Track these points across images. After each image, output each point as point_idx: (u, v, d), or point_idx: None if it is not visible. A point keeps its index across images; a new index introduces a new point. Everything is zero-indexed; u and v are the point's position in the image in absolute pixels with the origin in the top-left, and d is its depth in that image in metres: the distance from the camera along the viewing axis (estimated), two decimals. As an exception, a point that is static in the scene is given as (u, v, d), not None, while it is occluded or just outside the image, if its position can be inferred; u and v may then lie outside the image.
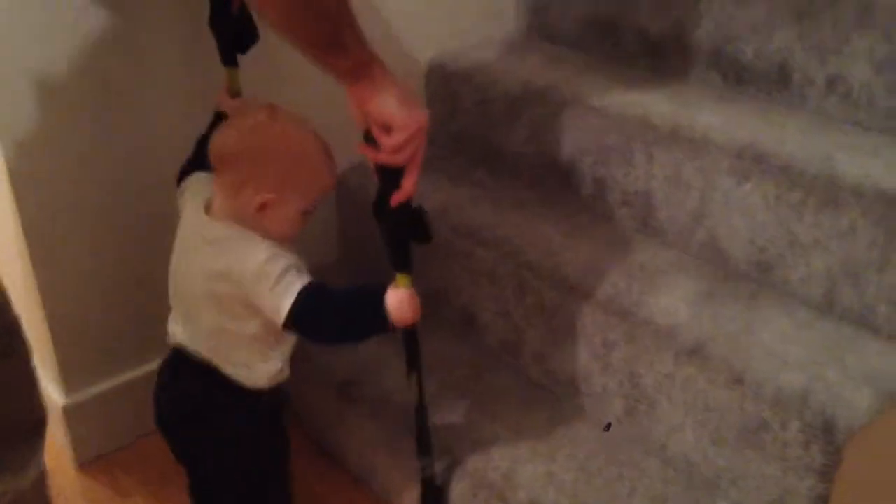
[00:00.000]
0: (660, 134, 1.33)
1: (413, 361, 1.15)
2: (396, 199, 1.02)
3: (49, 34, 1.24)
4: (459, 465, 1.23)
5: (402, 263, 1.06)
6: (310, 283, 1.02)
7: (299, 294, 1.01)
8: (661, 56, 1.53)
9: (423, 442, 1.19)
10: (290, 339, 1.12)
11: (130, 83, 1.34)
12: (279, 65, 1.32)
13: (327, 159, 1.07)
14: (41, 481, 0.92)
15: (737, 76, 1.43)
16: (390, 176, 1.01)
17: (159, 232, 1.19)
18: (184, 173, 1.17)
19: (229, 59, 1.19)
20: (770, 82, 1.39)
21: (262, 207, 1.03)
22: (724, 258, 1.29)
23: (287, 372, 1.14)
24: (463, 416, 1.29)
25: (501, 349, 1.41)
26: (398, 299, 1.04)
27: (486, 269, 1.39)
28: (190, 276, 1.09)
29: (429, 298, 1.49)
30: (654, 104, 1.38)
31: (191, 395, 1.12)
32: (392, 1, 1.57)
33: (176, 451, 1.17)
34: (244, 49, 1.19)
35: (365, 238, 1.58)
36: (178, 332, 1.12)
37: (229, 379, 1.10)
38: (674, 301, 1.22)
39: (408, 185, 1.01)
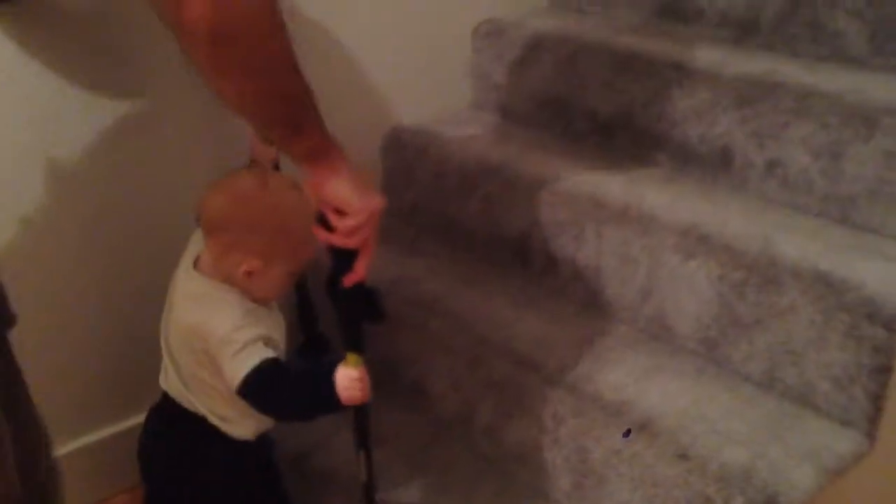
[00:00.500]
0: (610, 212, 1.37)
1: (362, 439, 1.15)
2: (349, 280, 1.03)
3: (57, 115, 1.27)
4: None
5: (353, 343, 1.07)
6: (267, 359, 1.04)
7: (255, 367, 1.04)
8: (610, 136, 1.59)
9: None
10: None
11: (140, 155, 1.37)
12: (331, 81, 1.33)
13: (307, 216, 1.07)
14: None
15: (683, 158, 1.49)
16: (343, 258, 1.03)
17: (149, 293, 1.21)
18: None
19: None
20: (714, 165, 1.44)
21: (249, 274, 1.07)
22: (671, 334, 1.32)
23: (271, 422, 1.16)
24: (412, 491, 1.29)
25: (453, 421, 1.41)
26: (348, 378, 1.06)
27: (439, 341, 1.40)
28: (173, 325, 1.12)
29: (381, 369, 1.51)
30: (604, 183, 1.43)
31: (177, 440, 1.15)
32: (351, 73, 1.61)
33: (153, 496, 1.19)
34: None
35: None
36: (167, 378, 1.15)
37: (215, 428, 1.12)
38: (621, 376, 1.24)
39: (360, 268, 1.03)
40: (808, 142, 1.32)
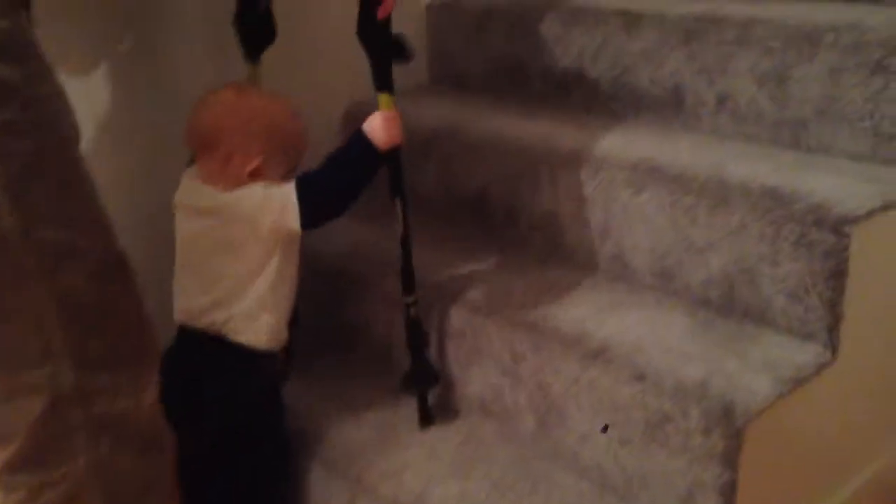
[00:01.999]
0: (562, 157, 1.36)
1: (396, 186, 1.21)
2: (382, 11, 1.10)
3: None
4: (369, 491, 1.20)
5: (384, 83, 1.16)
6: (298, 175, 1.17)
7: (297, 180, 1.15)
8: (566, 93, 1.58)
9: (408, 277, 1.24)
10: (289, 283, 1.21)
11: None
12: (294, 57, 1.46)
13: (298, 122, 1.22)
14: (156, 407, 1.00)
15: (636, 104, 1.48)
16: None
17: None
18: None
19: (255, 57, 1.31)
20: (666, 106, 1.44)
21: (254, 172, 1.16)
22: (630, 271, 1.31)
23: (284, 334, 1.23)
24: (368, 448, 1.26)
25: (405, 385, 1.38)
26: (384, 118, 1.15)
27: (396, 297, 1.38)
28: (192, 237, 1.19)
29: (347, 333, 1.50)
30: (558, 133, 1.42)
31: (196, 360, 1.20)
32: (310, 51, 1.61)
33: (174, 418, 1.18)
34: (264, 47, 1.32)
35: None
36: (182, 307, 1.21)
37: (232, 343, 1.18)
38: (580, 312, 1.22)
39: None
40: (754, 70, 1.32)
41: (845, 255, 1.08)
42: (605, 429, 1.14)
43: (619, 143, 1.35)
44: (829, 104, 1.26)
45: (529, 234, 1.44)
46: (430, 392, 1.30)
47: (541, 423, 1.21)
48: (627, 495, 1.12)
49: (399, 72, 1.76)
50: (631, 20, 1.46)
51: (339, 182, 1.17)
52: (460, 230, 1.53)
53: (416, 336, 1.26)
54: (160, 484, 1.06)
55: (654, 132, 1.40)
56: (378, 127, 1.15)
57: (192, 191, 1.21)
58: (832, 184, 1.14)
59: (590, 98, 1.54)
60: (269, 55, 1.34)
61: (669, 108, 1.43)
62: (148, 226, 1.32)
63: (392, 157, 1.19)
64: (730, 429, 1.00)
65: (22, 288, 0.88)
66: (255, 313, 1.19)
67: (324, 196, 1.16)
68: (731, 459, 1.01)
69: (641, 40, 1.44)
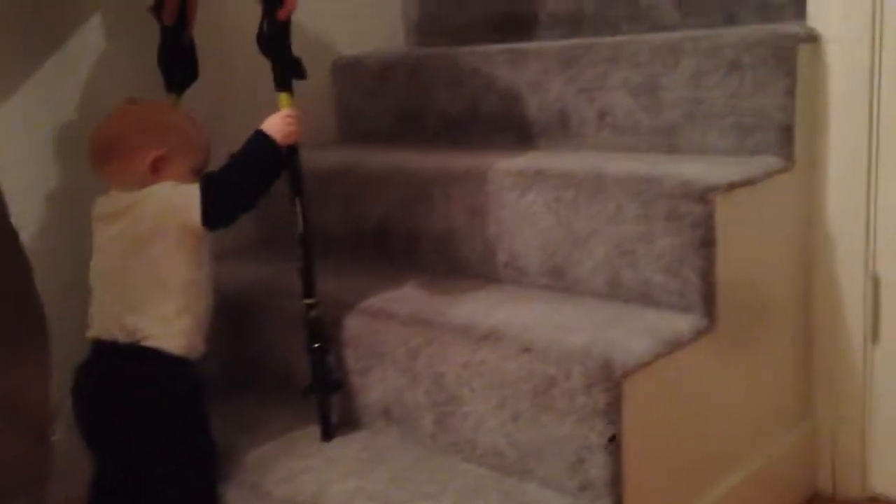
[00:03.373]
0: (454, 174, 1.42)
1: (296, 186, 1.26)
2: (283, 13, 1.19)
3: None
4: (265, 498, 1.17)
5: (282, 82, 1.23)
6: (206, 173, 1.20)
7: (201, 178, 1.18)
8: (462, 130, 1.66)
9: (308, 277, 1.27)
10: (201, 286, 1.21)
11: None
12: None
13: (193, 122, 1.25)
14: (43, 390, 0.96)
15: (527, 133, 1.56)
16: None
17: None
18: None
19: (178, 91, 1.34)
20: (554, 128, 1.51)
21: (155, 164, 1.18)
22: (523, 275, 1.34)
23: (201, 343, 1.21)
24: (277, 469, 1.24)
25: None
26: (283, 117, 1.21)
27: (295, 317, 1.38)
28: (107, 243, 1.20)
29: (250, 360, 1.49)
30: (452, 160, 1.48)
31: (112, 374, 1.18)
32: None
33: (92, 438, 1.19)
34: (186, 86, 1.35)
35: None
36: (96, 320, 1.19)
37: (147, 350, 1.16)
38: (473, 308, 1.25)
39: (290, 0, 1.19)
40: (627, 83, 1.41)
41: (712, 222, 1.13)
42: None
43: (508, 161, 1.40)
44: (696, 107, 1.34)
45: (429, 257, 1.47)
46: (331, 402, 1.29)
47: (439, 421, 1.21)
48: (523, 472, 1.12)
49: (309, 131, 1.85)
50: (517, 56, 1.56)
51: (240, 179, 1.19)
52: (363, 263, 1.55)
53: (317, 338, 1.26)
54: (42, 484, 1.02)
55: (543, 153, 1.47)
56: (277, 124, 1.21)
57: (105, 199, 1.23)
58: (699, 168, 1.21)
59: (485, 132, 1.62)
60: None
61: (557, 130, 1.51)
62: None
63: (291, 156, 1.24)
64: (609, 382, 1.02)
65: None
66: (168, 317, 1.18)
67: (226, 193, 1.18)
68: (612, 414, 1.02)
69: (527, 71, 1.53)
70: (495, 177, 1.35)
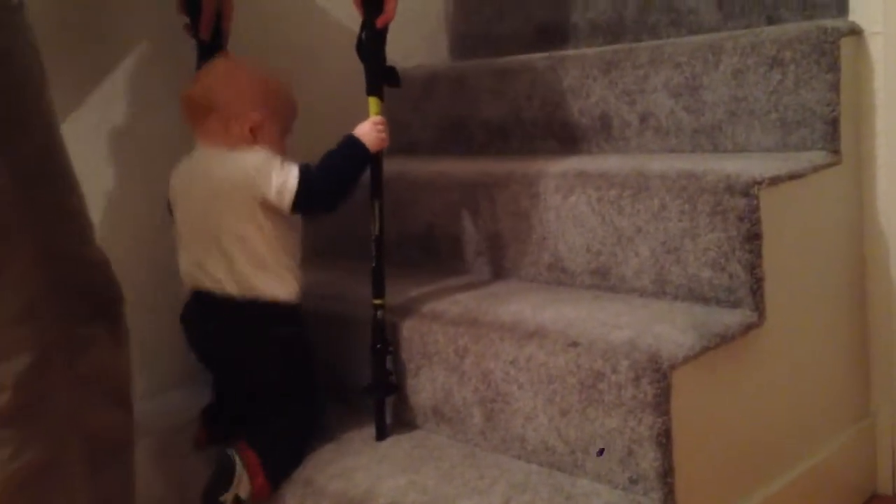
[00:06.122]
0: (498, 179, 1.44)
1: (377, 189, 1.30)
2: (381, 21, 1.24)
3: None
4: (319, 493, 1.19)
5: (374, 88, 1.27)
6: (303, 163, 1.25)
7: (300, 167, 1.24)
8: (505, 139, 1.68)
9: (378, 278, 1.29)
10: (290, 236, 1.29)
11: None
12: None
13: (287, 86, 1.33)
14: (128, 361, 1.06)
15: (569, 138, 1.57)
16: (373, 3, 1.23)
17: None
18: None
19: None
20: (596, 132, 1.53)
21: (253, 129, 1.26)
22: (569, 275, 1.35)
23: (296, 286, 1.29)
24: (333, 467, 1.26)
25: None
26: (373, 123, 1.27)
27: (348, 321, 1.41)
28: (202, 202, 1.26)
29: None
30: (496, 166, 1.50)
31: (220, 325, 1.27)
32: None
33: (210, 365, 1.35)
34: None
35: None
36: (196, 274, 1.27)
37: (250, 302, 1.24)
38: (519, 307, 1.26)
39: (390, 7, 1.23)
40: (668, 85, 1.42)
41: (757, 216, 1.13)
42: (601, 452, 1.14)
43: (551, 163, 1.42)
44: (738, 105, 1.35)
45: (475, 261, 1.49)
46: (387, 403, 1.31)
47: (488, 418, 1.22)
48: (573, 466, 1.12)
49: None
50: (556, 62, 1.58)
51: (333, 176, 1.26)
52: (410, 269, 1.57)
53: (380, 338, 1.29)
54: (131, 447, 1.07)
55: (586, 157, 1.49)
56: (368, 131, 1.27)
57: (196, 155, 1.29)
58: (742, 164, 1.21)
59: (527, 142, 1.64)
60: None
61: (599, 134, 1.52)
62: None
63: (376, 160, 1.29)
64: (657, 373, 1.02)
65: (8, 244, 0.92)
66: (274, 268, 1.26)
67: (320, 186, 1.24)
68: (661, 405, 1.02)
69: (568, 77, 1.55)
70: (539, 180, 1.37)
